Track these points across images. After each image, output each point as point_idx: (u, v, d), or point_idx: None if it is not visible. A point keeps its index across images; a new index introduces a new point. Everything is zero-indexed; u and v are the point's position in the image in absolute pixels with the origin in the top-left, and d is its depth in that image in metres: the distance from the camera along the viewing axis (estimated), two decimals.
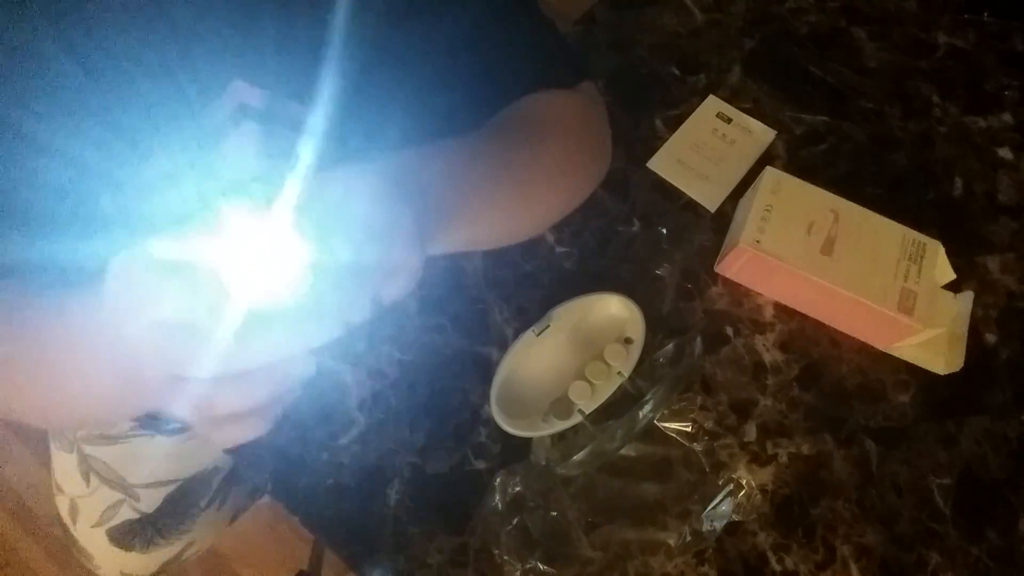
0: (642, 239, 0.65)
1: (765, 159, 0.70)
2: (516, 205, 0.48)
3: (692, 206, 0.68)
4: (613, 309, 0.60)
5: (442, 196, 0.37)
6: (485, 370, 0.58)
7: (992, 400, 0.61)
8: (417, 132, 0.40)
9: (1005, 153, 0.72)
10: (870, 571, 0.54)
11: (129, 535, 0.71)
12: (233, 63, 0.37)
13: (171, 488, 0.72)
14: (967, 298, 0.61)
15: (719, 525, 0.54)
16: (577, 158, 0.53)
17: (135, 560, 0.73)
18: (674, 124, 0.71)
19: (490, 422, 0.57)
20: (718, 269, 0.64)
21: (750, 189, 0.65)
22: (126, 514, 0.71)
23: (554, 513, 0.54)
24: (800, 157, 0.70)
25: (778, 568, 0.54)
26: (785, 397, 0.60)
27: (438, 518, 0.55)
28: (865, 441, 0.58)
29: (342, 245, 0.27)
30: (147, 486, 0.71)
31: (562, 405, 0.56)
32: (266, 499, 0.94)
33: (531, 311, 0.61)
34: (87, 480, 0.70)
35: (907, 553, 0.55)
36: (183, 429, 0.71)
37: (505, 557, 0.52)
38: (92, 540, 0.72)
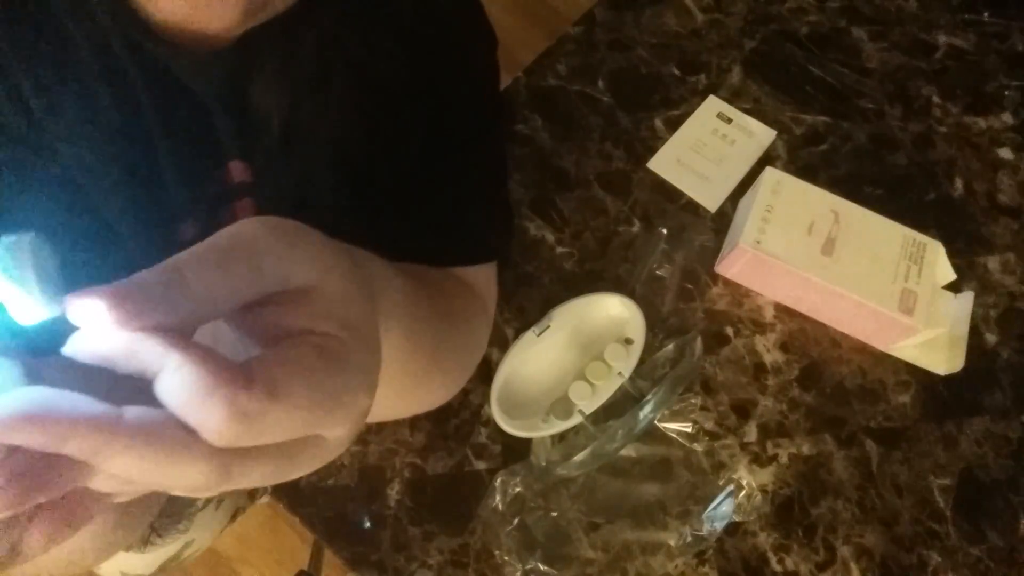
0: (642, 239, 0.65)
1: (765, 159, 0.70)
2: (434, 383, 0.46)
3: (692, 206, 0.67)
4: (613, 309, 0.59)
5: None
6: (485, 370, 0.58)
7: (992, 401, 0.61)
8: None
9: (1005, 153, 0.72)
10: (870, 571, 0.54)
11: None
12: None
13: None
14: (967, 298, 0.61)
15: (719, 526, 0.54)
16: (478, 356, 0.52)
17: (134, 560, 0.73)
18: (674, 124, 0.71)
19: (490, 422, 0.57)
20: (718, 269, 0.64)
21: (750, 189, 0.65)
22: None
23: (554, 514, 0.54)
24: (800, 157, 0.70)
25: (779, 569, 0.54)
26: (785, 397, 0.60)
27: (438, 518, 0.54)
28: (865, 441, 0.58)
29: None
30: None
31: (562, 405, 0.56)
32: (266, 499, 0.94)
33: (531, 311, 0.61)
34: None
35: (907, 553, 0.55)
36: None
37: (506, 558, 0.52)
38: None
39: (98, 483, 0.18)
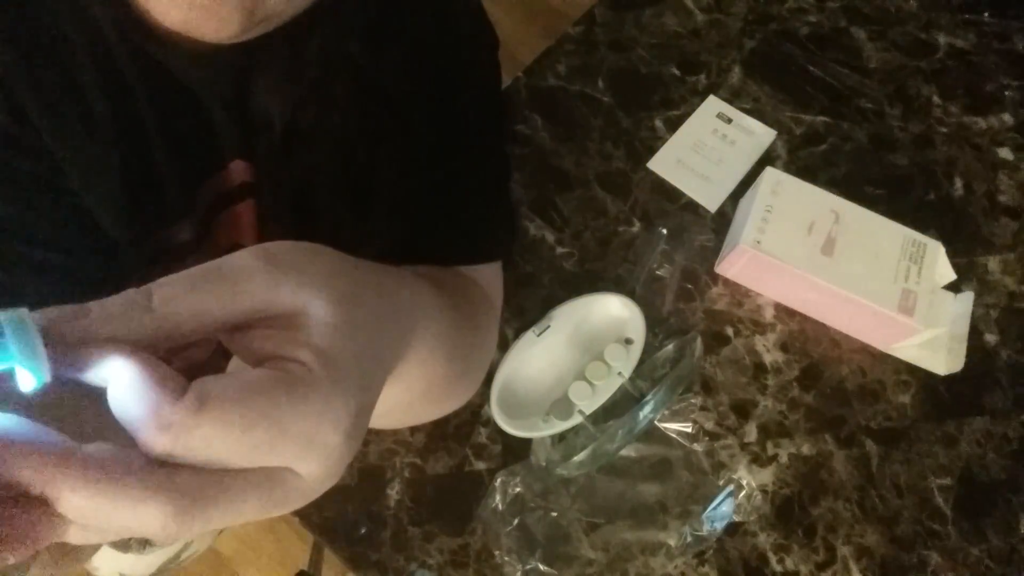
0: (642, 239, 0.65)
1: (765, 159, 0.70)
2: (445, 398, 0.46)
3: (692, 206, 0.67)
4: (613, 309, 0.59)
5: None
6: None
7: (992, 401, 0.61)
8: None
9: (1005, 153, 0.72)
10: (870, 571, 0.54)
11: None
12: None
13: None
14: (967, 298, 0.61)
15: (719, 526, 0.54)
16: (491, 356, 0.52)
17: (133, 561, 0.73)
18: (674, 124, 0.71)
19: (490, 422, 0.57)
20: (718, 269, 0.64)
21: (750, 189, 0.65)
22: None
23: (554, 514, 0.54)
24: (800, 157, 0.70)
25: (779, 569, 0.54)
26: (785, 398, 0.60)
27: (438, 518, 0.54)
28: (865, 441, 0.58)
29: None
30: None
31: (562, 406, 0.56)
32: None
33: (531, 311, 0.61)
34: None
35: (907, 553, 0.55)
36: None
37: (506, 558, 0.52)
38: None
39: (72, 535, 0.18)
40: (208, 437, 0.18)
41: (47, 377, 0.18)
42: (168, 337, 0.19)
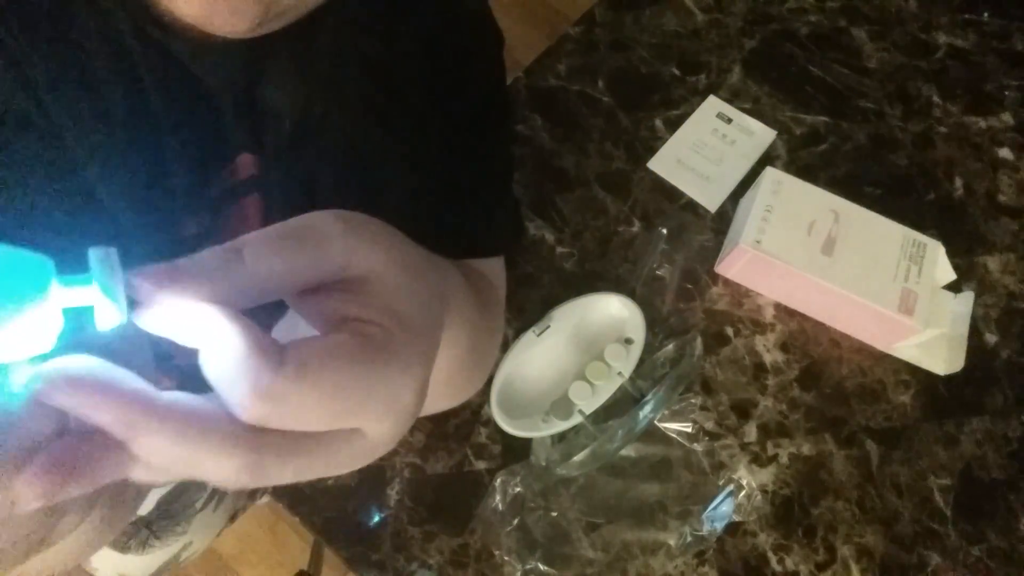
0: (642, 239, 0.65)
1: (765, 159, 0.70)
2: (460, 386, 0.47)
3: (692, 206, 0.67)
4: (613, 309, 0.59)
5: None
6: None
7: (992, 400, 0.61)
8: None
9: (1005, 153, 0.72)
10: (870, 571, 0.54)
11: (124, 537, 0.71)
12: None
13: (164, 490, 0.71)
14: (967, 298, 0.61)
15: (719, 526, 0.54)
16: (496, 352, 0.53)
17: (132, 562, 0.73)
18: (674, 124, 0.71)
19: (490, 422, 0.57)
20: (718, 269, 0.64)
21: (750, 189, 0.65)
22: None
23: (554, 514, 0.54)
24: (800, 157, 0.70)
25: (779, 569, 0.54)
26: (785, 397, 0.60)
27: (438, 518, 0.54)
28: (865, 441, 0.58)
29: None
30: None
31: (562, 405, 0.56)
32: (266, 499, 0.93)
33: (531, 311, 0.61)
34: None
35: (907, 553, 0.55)
36: None
37: (505, 558, 0.52)
38: None
39: (136, 473, 0.18)
40: (303, 405, 0.18)
41: (126, 318, 0.18)
42: (253, 297, 0.19)
